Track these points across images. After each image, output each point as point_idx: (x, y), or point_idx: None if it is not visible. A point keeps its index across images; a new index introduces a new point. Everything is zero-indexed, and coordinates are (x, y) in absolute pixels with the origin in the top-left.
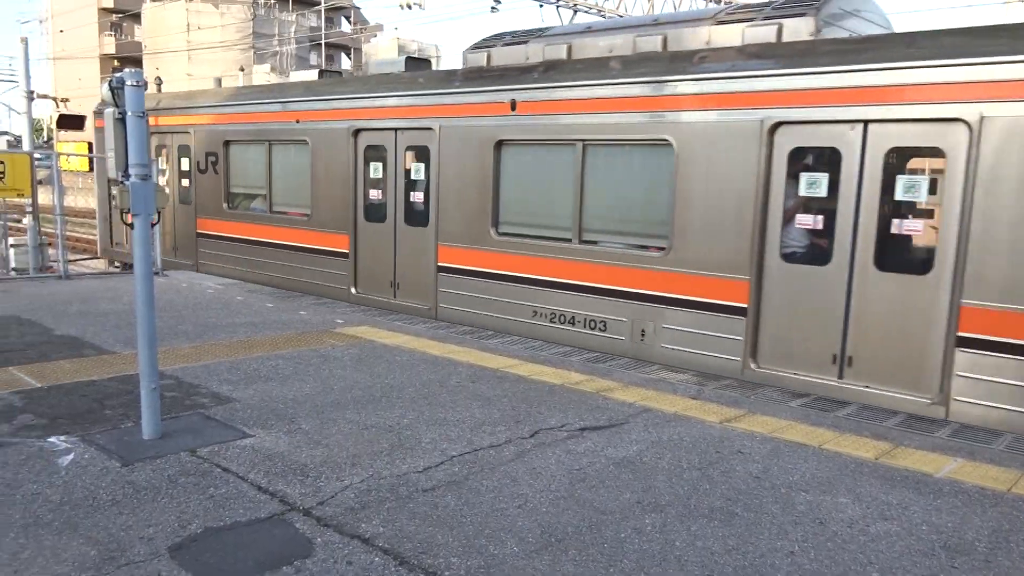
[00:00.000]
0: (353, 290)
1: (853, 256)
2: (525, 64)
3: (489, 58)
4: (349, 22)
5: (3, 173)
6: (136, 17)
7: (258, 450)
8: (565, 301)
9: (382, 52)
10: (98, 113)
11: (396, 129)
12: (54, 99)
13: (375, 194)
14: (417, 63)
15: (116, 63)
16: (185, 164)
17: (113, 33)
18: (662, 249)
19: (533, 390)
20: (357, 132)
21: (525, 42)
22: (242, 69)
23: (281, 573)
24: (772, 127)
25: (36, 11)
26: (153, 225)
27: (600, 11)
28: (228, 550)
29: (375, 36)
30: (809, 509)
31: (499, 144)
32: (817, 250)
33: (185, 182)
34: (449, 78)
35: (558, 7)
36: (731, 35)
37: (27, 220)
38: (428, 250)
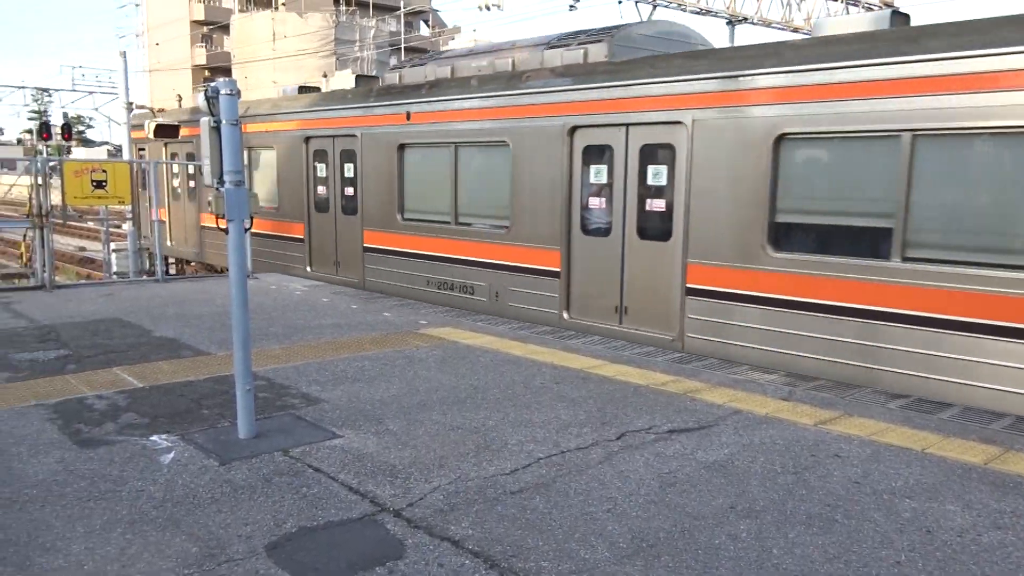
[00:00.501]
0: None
1: (624, 228)
2: (420, 83)
3: (400, 77)
4: (427, 25)
5: (106, 181)
6: (225, 28)
7: (348, 451)
8: (446, 271)
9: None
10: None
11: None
12: (150, 109)
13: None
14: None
15: (207, 73)
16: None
17: (204, 44)
18: (506, 228)
19: (618, 391)
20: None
21: (424, 64)
22: (325, 75)
23: (374, 574)
24: (570, 130)
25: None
26: (246, 231)
27: (681, 5)
28: (322, 550)
29: (453, 39)
30: (915, 517)
31: (400, 147)
32: (603, 224)
33: (350, 190)
34: (366, 96)
35: (637, 3)
36: (555, 58)
37: (127, 226)
38: (356, 234)
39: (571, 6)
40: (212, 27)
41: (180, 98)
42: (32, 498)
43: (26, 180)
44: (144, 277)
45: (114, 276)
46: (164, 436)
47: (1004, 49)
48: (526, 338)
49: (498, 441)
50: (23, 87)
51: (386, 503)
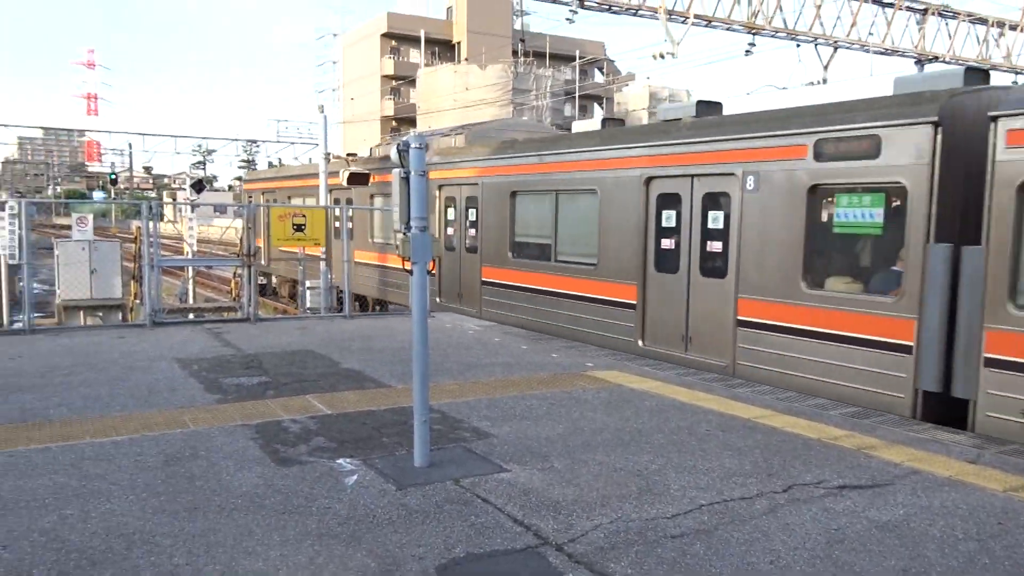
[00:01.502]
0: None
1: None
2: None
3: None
4: (602, 73)
5: (305, 225)
6: (412, 82)
7: (514, 484)
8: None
9: (633, 100)
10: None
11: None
12: (344, 158)
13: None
14: (708, 107)
15: (394, 123)
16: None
17: (392, 97)
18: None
19: (786, 443)
20: (649, 180)
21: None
22: None
23: None
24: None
25: (329, 82)
26: (429, 273)
27: (863, 44)
28: None
29: (627, 85)
30: None
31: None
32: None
33: (472, 232)
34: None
35: (816, 44)
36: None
37: (321, 266)
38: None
39: (747, 51)
40: (400, 81)
41: (360, 154)
42: (238, 507)
43: (238, 223)
44: (334, 313)
45: (307, 312)
46: (349, 460)
47: (571, 150)
48: (692, 384)
49: (660, 485)
50: (236, 139)
51: (549, 537)
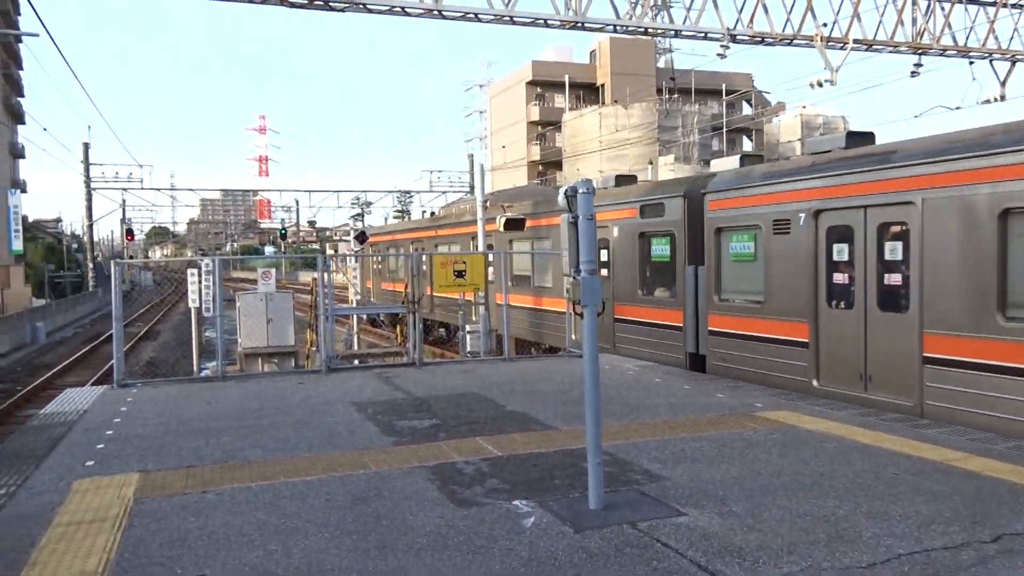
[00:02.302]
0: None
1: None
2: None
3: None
4: (750, 105)
5: (465, 271)
6: (558, 126)
7: (693, 529)
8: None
9: (784, 131)
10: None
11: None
12: (501, 206)
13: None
14: (859, 138)
15: (540, 168)
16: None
17: (538, 142)
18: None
19: (988, 488)
20: (818, 213)
21: None
22: (651, 162)
23: None
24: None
25: (476, 131)
26: (599, 315)
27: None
28: None
29: (778, 115)
30: None
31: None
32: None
33: (604, 272)
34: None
35: (991, 60)
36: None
37: (480, 310)
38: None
39: (912, 72)
40: (546, 126)
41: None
42: (424, 546)
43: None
44: (494, 356)
45: (468, 355)
46: (524, 502)
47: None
48: (873, 425)
49: (851, 532)
50: (391, 191)
51: None
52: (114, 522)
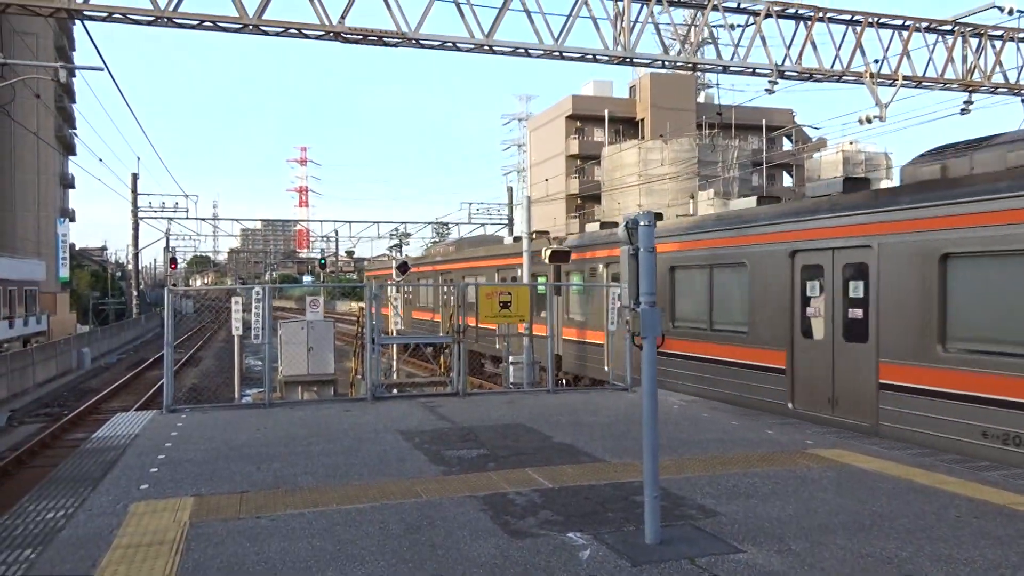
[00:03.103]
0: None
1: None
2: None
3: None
4: (790, 140)
5: (511, 302)
6: (597, 160)
7: (752, 566)
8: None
9: (825, 167)
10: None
11: (832, 249)
12: (544, 234)
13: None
14: (855, 183)
15: (579, 201)
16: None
17: (577, 176)
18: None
19: None
20: (794, 253)
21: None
22: (692, 197)
23: None
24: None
25: (513, 163)
26: (659, 347)
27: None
28: None
29: (819, 151)
30: None
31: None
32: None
33: None
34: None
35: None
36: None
37: (524, 342)
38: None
39: (962, 110)
40: (585, 160)
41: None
42: None
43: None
44: (536, 388)
45: (511, 386)
46: (579, 534)
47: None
48: (931, 466)
49: (917, 575)
50: (431, 223)
51: None
52: (172, 545)
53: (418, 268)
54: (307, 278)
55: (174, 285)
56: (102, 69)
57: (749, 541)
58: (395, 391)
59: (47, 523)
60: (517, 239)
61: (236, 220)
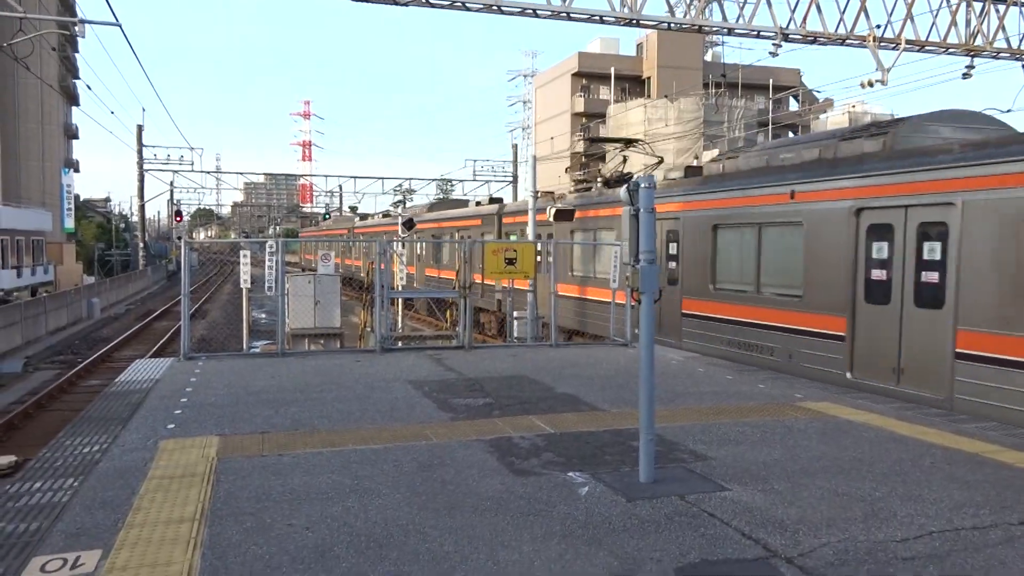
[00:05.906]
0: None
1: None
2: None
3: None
4: (797, 101)
5: (516, 259)
6: (603, 118)
7: (737, 502)
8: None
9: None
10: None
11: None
12: (549, 194)
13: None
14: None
15: (583, 159)
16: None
17: (581, 133)
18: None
19: (1019, 477)
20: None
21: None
22: (697, 157)
23: None
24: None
25: (518, 120)
26: (656, 302)
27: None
28: None
29: (825, 112)
30: None
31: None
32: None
33: (672, 265)
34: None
35: None
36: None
37: (528, 297)
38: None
39: (964, 74)
40: (591, 119)
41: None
42: (488, 508)
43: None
44: (539, 342)
45: (515, 340)
46: (578, 473)
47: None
48: (912, 418)
49: (886, 511)
50: (435, 179)
51: (777, 550)
52: (202, 477)
53: (394, 227)
54: None
55: (179, 238)
56: (116, 24)
57: (736, 481)
58: (400, 344)
59: (84, 456)
60: (479, 203)
61: (240, 173)
